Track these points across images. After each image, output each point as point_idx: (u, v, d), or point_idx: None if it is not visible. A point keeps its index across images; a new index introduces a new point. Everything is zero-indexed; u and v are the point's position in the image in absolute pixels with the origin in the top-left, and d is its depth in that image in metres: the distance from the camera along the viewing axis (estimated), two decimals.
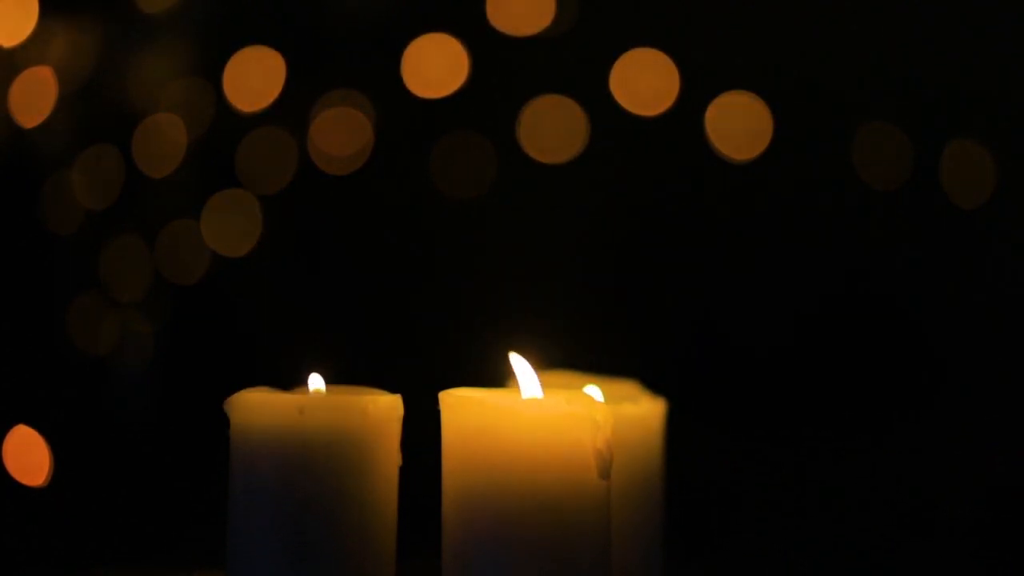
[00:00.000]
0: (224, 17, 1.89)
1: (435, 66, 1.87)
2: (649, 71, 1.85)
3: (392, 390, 1.06)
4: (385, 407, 1.04)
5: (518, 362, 1.04)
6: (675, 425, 1.21)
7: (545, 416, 0.99)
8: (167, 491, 1.81)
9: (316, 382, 1.08)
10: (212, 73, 1.87)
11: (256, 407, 1.03)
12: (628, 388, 1.21)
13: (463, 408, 1.01)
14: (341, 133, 1.89)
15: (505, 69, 1.88)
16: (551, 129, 1.87)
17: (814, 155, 1.85)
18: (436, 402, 1.03)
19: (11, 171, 1.83)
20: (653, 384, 1.22)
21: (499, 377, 1.11)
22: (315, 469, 1.02)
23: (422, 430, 1.06)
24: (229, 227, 1.88)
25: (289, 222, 1.90)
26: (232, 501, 1.04)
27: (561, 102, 1.86)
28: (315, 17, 1.90)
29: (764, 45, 1.86)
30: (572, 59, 1.87)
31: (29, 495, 1.77)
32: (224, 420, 1.05)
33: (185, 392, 1.85)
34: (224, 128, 1.87)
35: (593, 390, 1.13)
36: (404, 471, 1.06)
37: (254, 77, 1.88)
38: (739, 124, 1.84)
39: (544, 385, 1.04)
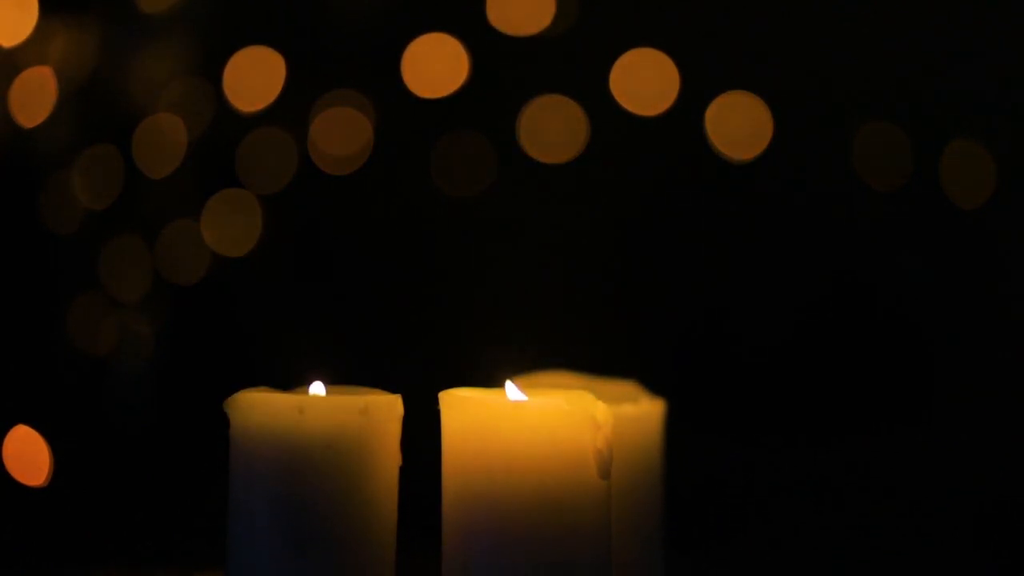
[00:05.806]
0: (224, 17, 1.89)
1: (435, 66, 1.87)
2: (649, 71, 1.85)
3: (392, 390, 1.06)
4: (385, 407, 1.04)
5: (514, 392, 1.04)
6: (674, 425, 1.21)
7: (545, 416, 0.99)
8: (167, 491, 1.81)
9: (317, 390, 1.08)
10: (212, 73, 1.87)
11: (256, 407, 1.03)
12: (628, 388, 1.21)
13: (463, 408, 1.01)
14: (341, 133, 1.89)
15: (505, 69, 1.88)
16: (551, 129, 1.87)
17: (814, 155, 1.85)
18: (436, 402, 1.03)
19: (11, 171, 1.83)
20: (653, 384, 1.22)
21: (499, 377, 1.11)
22: (315, 469, 1.02)
23: (422, 430, 1.06)
24: (229, 227, 1.88)
25: (289, 222, 1.90)
26: (232, 501, 1.04)
27: (561, 102, 1.86)
28: (315, 17, 1.90)
29: (764, 45, 1.86)
30: (572, 59, 1.87)
31: (29, 495, 1.77)
32: (224, 420, 1.05)
33: (185, 392, 1.85)
34: (224, 128, 1.87)
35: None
36: (404, 471, 1.06)
37: (254, 77, 1.88)
38: (739, 124, 1.84)
39: (544, 385, 1.04)
